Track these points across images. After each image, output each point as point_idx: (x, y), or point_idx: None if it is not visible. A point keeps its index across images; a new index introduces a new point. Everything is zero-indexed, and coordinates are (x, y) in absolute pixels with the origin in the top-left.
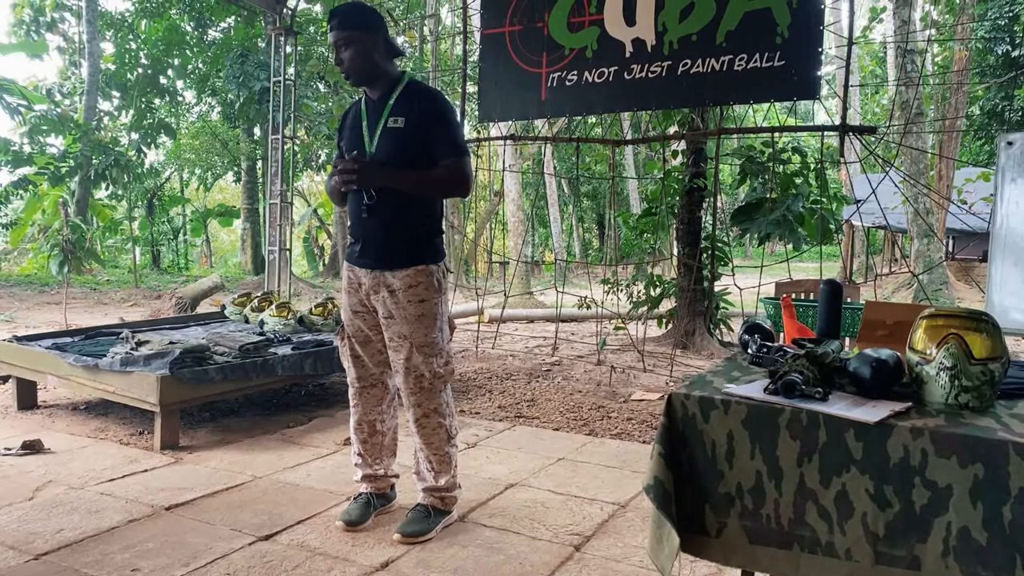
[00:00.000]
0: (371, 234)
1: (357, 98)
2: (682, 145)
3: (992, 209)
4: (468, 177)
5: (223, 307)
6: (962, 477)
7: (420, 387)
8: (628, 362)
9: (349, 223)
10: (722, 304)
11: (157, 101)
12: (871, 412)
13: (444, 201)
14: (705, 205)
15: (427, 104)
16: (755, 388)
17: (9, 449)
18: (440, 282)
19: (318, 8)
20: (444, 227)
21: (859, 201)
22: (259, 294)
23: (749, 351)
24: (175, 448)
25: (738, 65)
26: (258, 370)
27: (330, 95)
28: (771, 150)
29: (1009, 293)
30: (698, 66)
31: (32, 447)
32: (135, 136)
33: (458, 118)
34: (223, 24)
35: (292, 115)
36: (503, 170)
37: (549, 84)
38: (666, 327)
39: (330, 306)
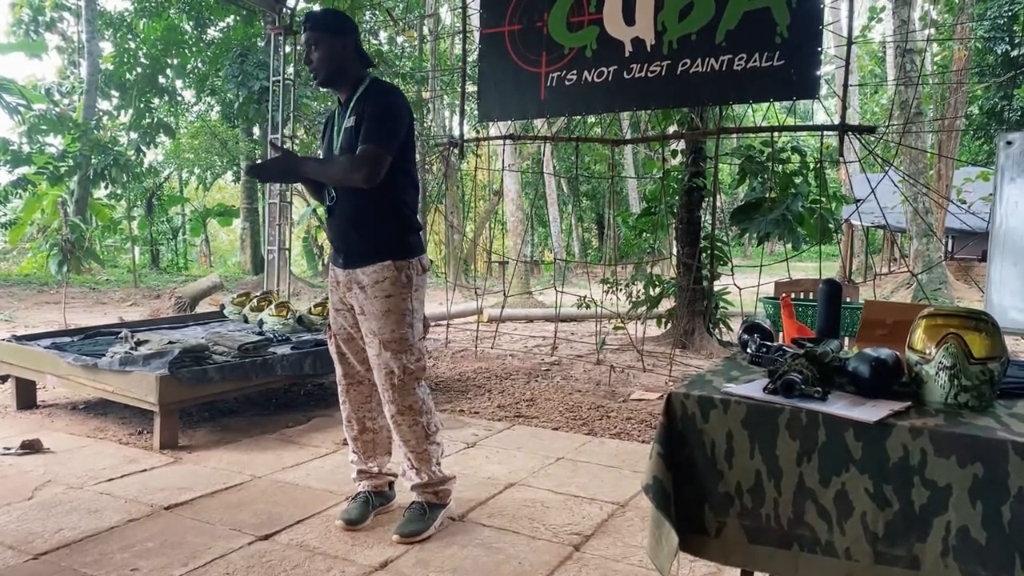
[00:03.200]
0: (338, 233)
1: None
2: (681, 144)
3: (991, 208)
4: (368, 166)
5: (222, 307)
6: (961, 476)
7: (391, 384)
8: (627, 362)
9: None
10: (721, 304)
11: (156, 100)
12: (870, 412)
13: (418, 197)
14: (704, 204)
15: (373, 98)
16: (754, 388)
17: (8, 449)
18: (410, 278)
19: (317, 8)
20: (418, 221)
21: (858, 200)
22: (258, 293)
23: (748, 350)
24: (174, 448)
25: (737, 64)
26: (257, 370)
27: (329, 95)
28: (770, 149)
29: (1008, 292)
30: (697, 65)
31: (31, 447)
32: (134, 135)
33: (399, 114)
34: (222, 23)
35: (291, 115)
36: (502, 169)
37: (548, 84)
38: (665, 327)
39: (329, 305)
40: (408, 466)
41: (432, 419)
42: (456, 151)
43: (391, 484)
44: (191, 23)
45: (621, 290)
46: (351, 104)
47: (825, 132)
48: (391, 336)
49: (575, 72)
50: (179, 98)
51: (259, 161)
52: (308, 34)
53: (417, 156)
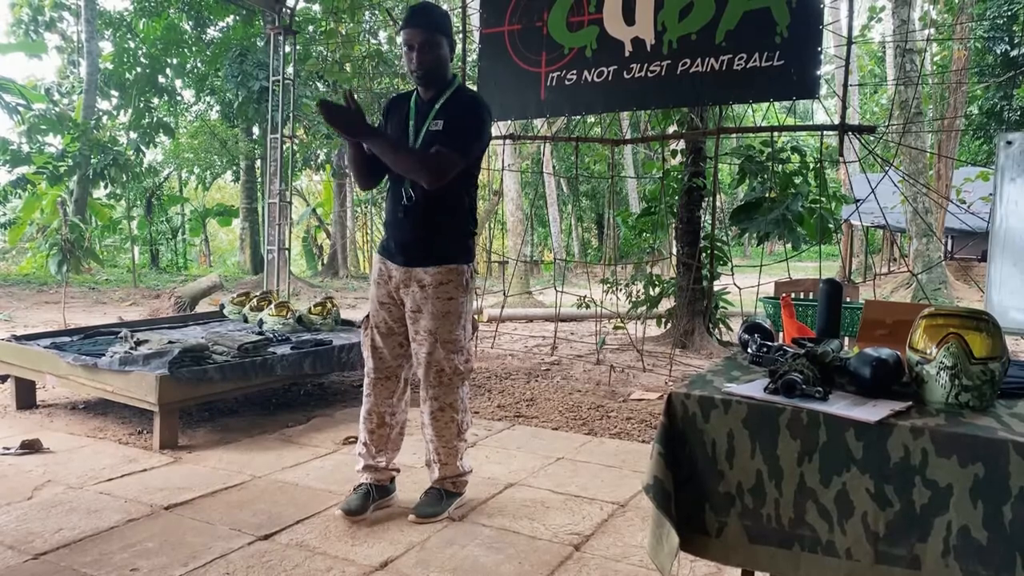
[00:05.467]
0: (407, 233)
1: (403, 92)
2: (681, 144)
3: (991, 208)
4: (440, 169)
5: (222, 306)
6: (962, 476)
7: (440, 381)
8: (627, 361)
9: (385, 219)
10: (721, 303)
11: (156, 100)
12: (871, 411)
13: (471, 203)
14: (704, 204)
15: (463, 108)
16: (755, 387)
17: (8, 449)
18: (468, 282)
19: (317, 7)
20: (475, 229)
21: (858, 200)
22: (258, 293)
23: (749, 350)
24: (174, 448)
25: (737, 64)
26: (257, 369)
27: (329, 94)
28: (770, 149)
29: (1008, 292)
30: (697, 65)
31: (31, 447)
32: (134, 135)
33: (484, 127)
34: (222, 23)
35: (291, 114)
36: (502, 169)
37: (548, 83)
38: (665, 326)
39: (329, 305)
40: (435, 459)
41: (466, 417)
42: None
43: (393, 479)
44: (191, 23)
45: (621, 290)
46: (436, 107)
47: (825, 132)
48: (449, 336)
49: (575, 72)
50: (178, 98)
51: (338, 103)
52: (427, 34)
53: None
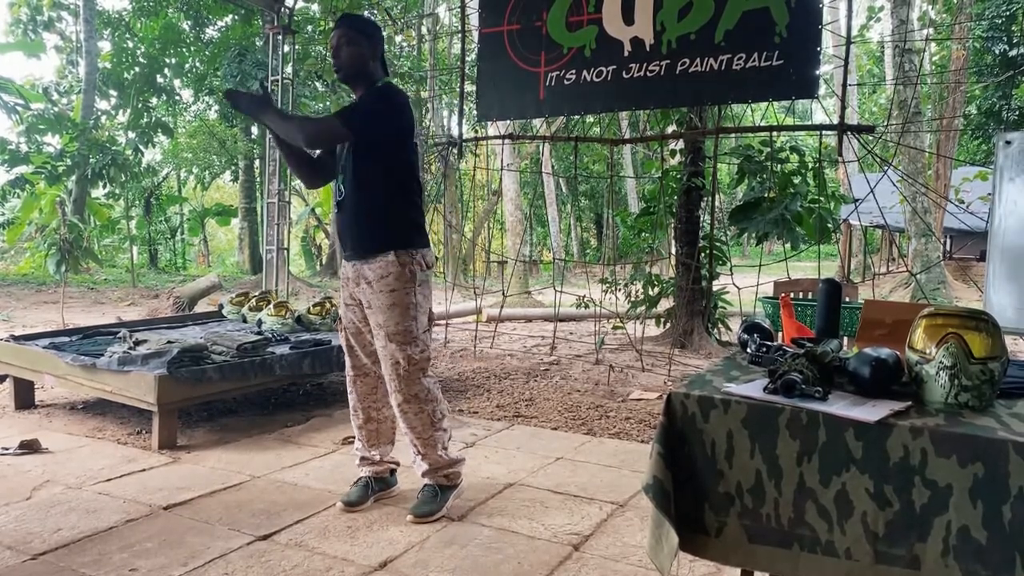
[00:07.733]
0: (345, 227)
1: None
2: (680, 144)
3: (990, 208)
4: (314, 129)
5: (221, 306)
6: (962, 476)
7: (397, 374)
8: (626, 361)
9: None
10: (720, 303)
11: (154, 100)
12: (871, 411)
13: (420, 193)
14: (703, 204)
15: (368, 92)
16: (754, 387)
17: (7, 449)
18: (414, 272)
19: (316, 7)
20: (421, 217)
21: (857, 200)
22: (257, 293)
23: (748, 350)
24: (173, 448)
25: (736, 64)
26: (256, 369)
27: (328, 94)
28: (769, 149)
29: (1007, 292)
30: (696, 65)
31: (30, 447)
32: (132, 135)
33: (381, 106)
34: (221, 23)
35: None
36: (501, 169)
37: (547, 83)
38: (664, 326)
39: (328, 305)
40: (415, 452)
41: (438, 407)
42: (455, 151)
43: (392, 471)
44: (189, 22)
45: (620, 290)
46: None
47: (824, 132)
48: (396, 328)
49: (574, 72)
50: (177, 97)
51: (241, 90)
52: (340, 31)
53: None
